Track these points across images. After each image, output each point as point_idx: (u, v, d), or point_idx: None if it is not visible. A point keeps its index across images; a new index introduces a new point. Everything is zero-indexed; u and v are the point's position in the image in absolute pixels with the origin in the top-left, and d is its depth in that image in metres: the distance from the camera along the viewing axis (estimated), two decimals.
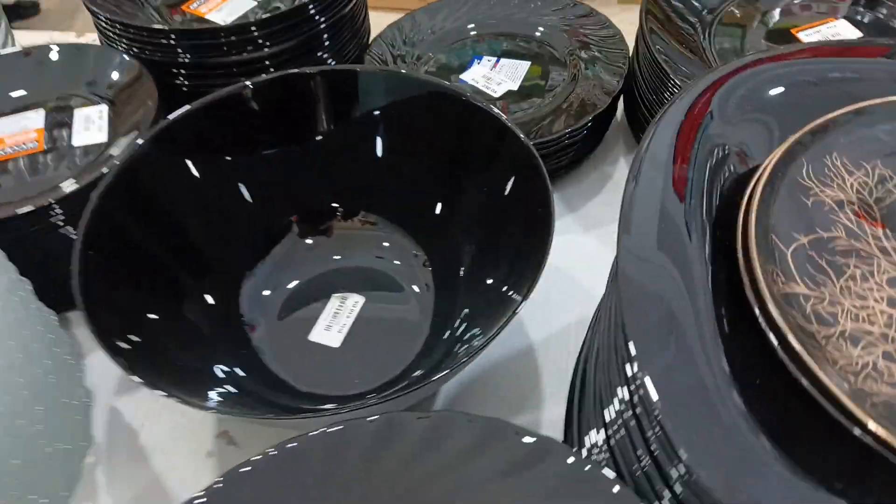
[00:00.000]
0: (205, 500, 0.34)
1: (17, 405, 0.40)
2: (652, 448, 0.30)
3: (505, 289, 0.49)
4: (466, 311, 0.53)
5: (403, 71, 0.56)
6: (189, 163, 0.56)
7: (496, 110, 0.53)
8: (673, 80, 0.60)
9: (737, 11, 0.70)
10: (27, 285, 0.48)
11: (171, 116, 0.54)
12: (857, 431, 0.27)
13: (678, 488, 0.29)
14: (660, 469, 0.29)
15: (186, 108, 0.55)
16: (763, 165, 0.36)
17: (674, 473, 0.28)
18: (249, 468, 0.36)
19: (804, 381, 0.28)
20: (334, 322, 0.58)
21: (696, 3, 0.70)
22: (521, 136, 0.51)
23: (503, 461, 0.35)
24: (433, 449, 0.36)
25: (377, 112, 0.58)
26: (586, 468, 0.33)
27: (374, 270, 0.60)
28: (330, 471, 0.36)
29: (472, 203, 0.56)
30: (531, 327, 0.58)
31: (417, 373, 0.53)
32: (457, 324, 0.53)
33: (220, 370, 0.52)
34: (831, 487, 0.27)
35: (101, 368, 0.57)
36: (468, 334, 0.50)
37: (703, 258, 0.33)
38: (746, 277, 0.31)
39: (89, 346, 0.58)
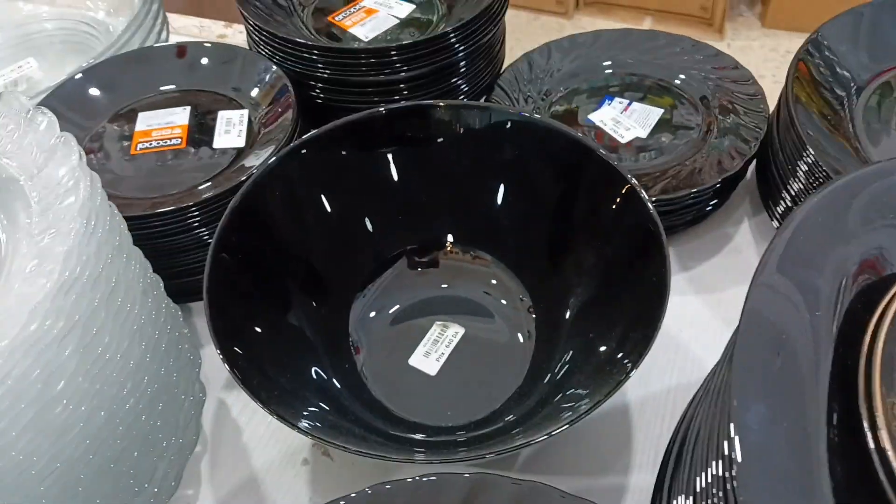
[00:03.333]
0: None
1: (142, 402, 0.43)
2: None
3: (605, 349, 0.49)
4: (566, 367, 0.53)
5: (538, 115, 0.56)
6: (320, 187, 0.59)
7: (625, 172, 0.52)
8: (812, 157, 0.58)
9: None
10: (160, 283, 0.51)
11: (307, 136, 0.57)
12: None
13: None
14: None
15: (324, 127, 0.57)
16: None
17: None
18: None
19: None
20: (433, 349, 0.59)
21: (846, 73, 0.67)
22: (649, 203, 0.50)
23: None
24: None
25: (504, 152, 0.60)
26: None
27: (479, 305, 0.61)
28: None
29: (586, 257, 0.56)
30: (628, 387, 0.56)
31: (509, 418, 0.53)
32: (554, 376, 0.54)
33: (319, 374, 0.54)
34: None
35: (213, 359, 0.59)
36: (567, 391, 0.51)
37: (823, 373, 0.32)
38: (864, 408, 0.30)
39: (205, 337, 0.61)
